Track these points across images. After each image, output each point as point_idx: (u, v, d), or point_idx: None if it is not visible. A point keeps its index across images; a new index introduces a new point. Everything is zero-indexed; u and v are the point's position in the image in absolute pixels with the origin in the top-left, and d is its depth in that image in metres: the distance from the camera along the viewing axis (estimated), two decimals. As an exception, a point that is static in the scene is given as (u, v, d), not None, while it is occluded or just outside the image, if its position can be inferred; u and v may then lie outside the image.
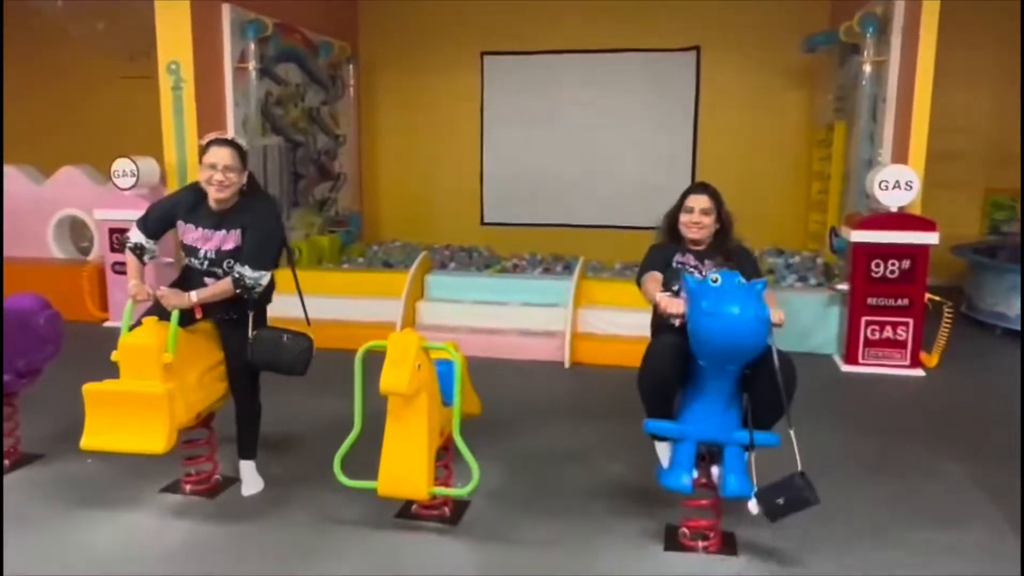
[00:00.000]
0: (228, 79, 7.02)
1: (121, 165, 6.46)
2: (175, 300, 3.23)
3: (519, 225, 9.41)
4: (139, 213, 6.33)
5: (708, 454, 2.97)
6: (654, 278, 3.10)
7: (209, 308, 3.35)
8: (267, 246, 3.38)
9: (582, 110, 9.20)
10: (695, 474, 2.89)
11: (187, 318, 3.27)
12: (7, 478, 3.69)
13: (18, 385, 3.78)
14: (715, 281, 2.62)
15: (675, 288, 2.94)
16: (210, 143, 3.28)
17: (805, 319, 5.94)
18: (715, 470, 2.90)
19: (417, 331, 3.14)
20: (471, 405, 3.54)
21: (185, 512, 3.39)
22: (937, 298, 5.56)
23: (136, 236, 3.48)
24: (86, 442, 3.07)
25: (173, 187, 6.86)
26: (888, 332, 5.59)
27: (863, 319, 5.60)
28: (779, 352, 2.73)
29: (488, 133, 9.52)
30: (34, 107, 10.19)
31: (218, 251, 3.35)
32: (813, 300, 6.04)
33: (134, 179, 6.45)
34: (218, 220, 3.34)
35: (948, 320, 5.56)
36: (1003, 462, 3.96)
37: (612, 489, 3.62)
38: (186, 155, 6.76)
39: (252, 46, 7.16)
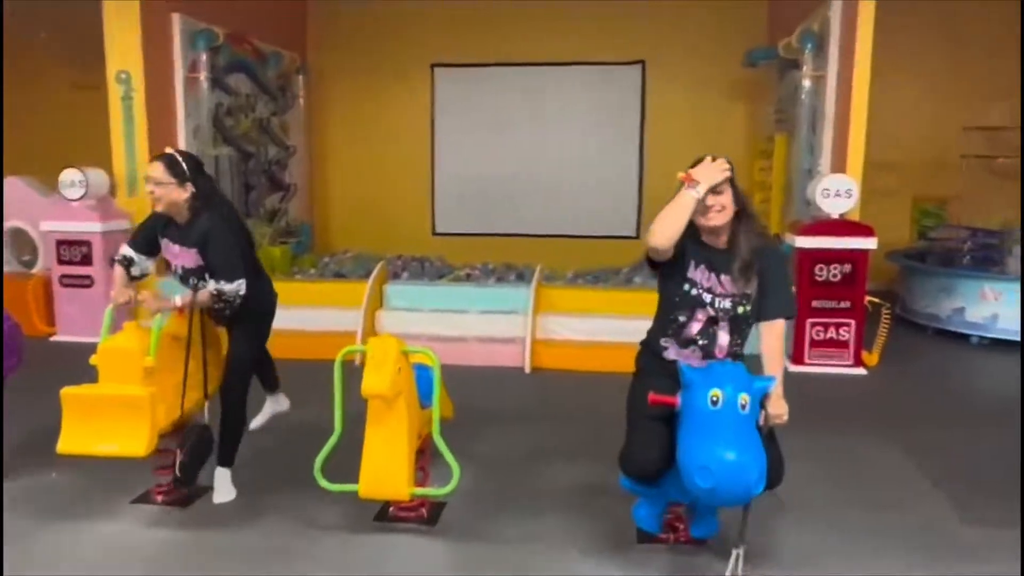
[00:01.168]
0: (179, 89, 7.00)
1: (69, 176, 6.35)
2: (156, 304, 3.26)
3: (470, 235, 9.47)
4: (87, 224, 6.34)
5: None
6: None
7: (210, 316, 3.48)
8: (229, 256, 3.34)
9: (531, 122, 9.32)
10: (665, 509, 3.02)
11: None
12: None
13: (-22, 398, 3.71)
14: (715, 400, 2.37)
15: (681, 319, 2.71)
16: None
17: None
18: (682, 509, 3.03)
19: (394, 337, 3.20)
20: (445, 409, 3.57)
21: (159, 522, 3.35)
22: (876, 300, 5.78)
23: (125, 249, 3.52)
24: (63, 446, 3.04)
25: (122, 198, 6.77)
26: (832, 333, 5.75)
27: (808, 321, 5.75)
28: (773, 450, 2.59)
29: (439, 144, 9.58)
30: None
31: (184, 268, 3.41)
32: None
33: (83, 190, 6.33)
34: (183, 236, 3.38)
35: (886, 321, 5.79)
36: (945, 451, 4.17)
37: (580, 487, 3.68)
38: (135, 166, 6.67)
39: (203, 56, 7.14)
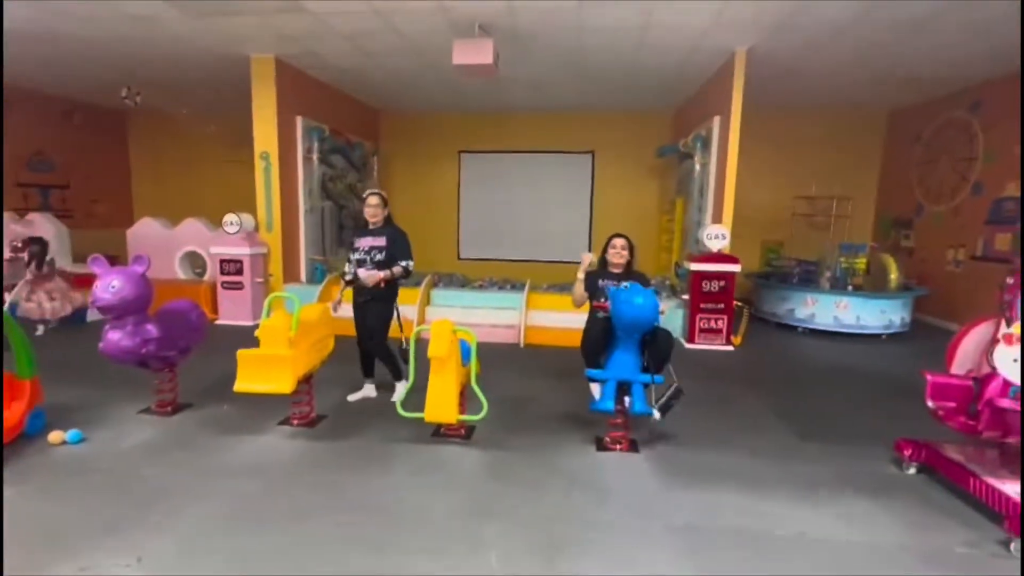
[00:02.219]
0: (299, 163, 6.97)
1: (229, 218, 6.37)
2: (371, 280, 3.64)
3: (482, 259, 9.49)
4: (240, 248, 6.34)
5: (622, 390, 3.13)
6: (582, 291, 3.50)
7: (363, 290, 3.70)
8: (400, 247, 3.71)
9: (522, 187, 9.35)
10: (614, 403, 3.10)
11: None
12: (174, 419, 3.63)
13: (179, 359, 3.75)
14: (627, 287, 2.89)
15: (602, 299, 3.21)
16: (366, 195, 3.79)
17: (663, 316, 6.16)
18: (627, 400, 3.10)
19: (427, 324, 3.27)
20: (478, 367, 3.67)
21: (295, 437, 3.41)
22: (740, 303, 5.91)
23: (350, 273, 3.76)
24: (238, 387, 3.10)
25: (264, 234, 6.80)
26: (712, 323, 5.79)
27: (698, 316, 5.79)
28: (662, 328, 3.00)
29: (463, 201, 9.58)
30: (171, 181, 9.86)
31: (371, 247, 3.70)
32: (668, 304, 5.94)
33: (238, 227, 6.36)
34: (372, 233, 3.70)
35: (747, 317, 5.96)
36: (784, 397, 4.28)
37: (560, 416, 3.76)
38: (272, 212, 6.69)
39: (315, 143, 7.15)
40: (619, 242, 3.53)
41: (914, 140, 7.94)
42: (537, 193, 9.39)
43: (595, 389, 3.29)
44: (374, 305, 3.71)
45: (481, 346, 5.47)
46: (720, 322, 5.81)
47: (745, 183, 7.97)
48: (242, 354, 3.11)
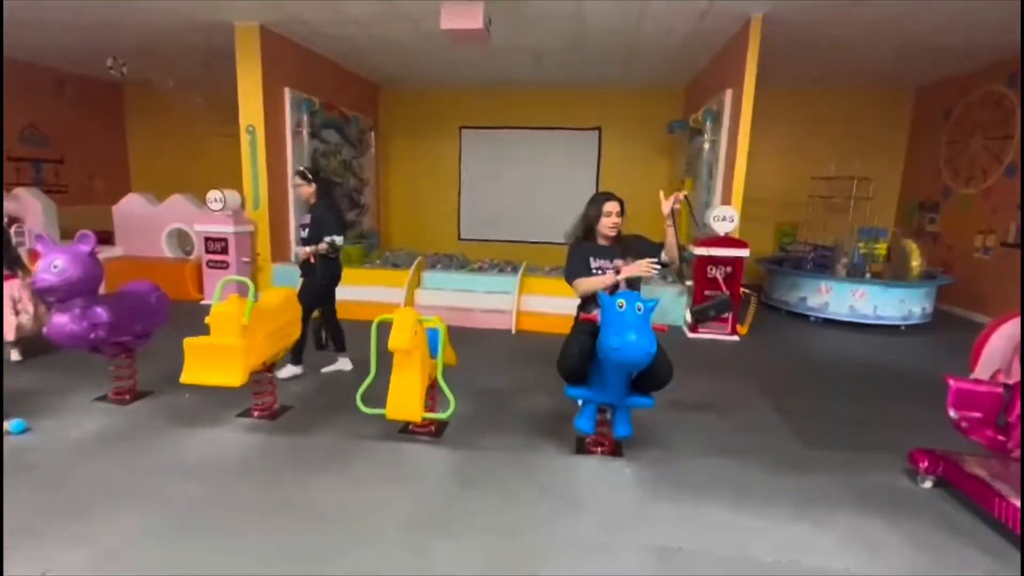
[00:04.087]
0: (288, 137, 6.70)
1: (212, 194, 6.12)
2: (300, 255, 3.72)
3: (483, 240, 9.23)
4: (225, 227, 6.11)
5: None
6: (585, 279, 2.80)
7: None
8: (324, 223, 3.71)
9: (526, 165, 9.02)
10: (597, 416, 2.85)
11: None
12: (130, 408, 3.43)
13: (136, 344, 3.53)
14: (621, 306, 2.37)
15: (592, 309, 2.75)
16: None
17: (665, 303, 5.85)
18: (609, 415, 2.84)
19: (415, 309, 3.02)
20: (451, 358, 3.42)
21: (254, 430, 3.20)
22: (747, 291, 5.57)
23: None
24: (184, 378, 2.88)
25: (251, 211, 6.56)
26: None
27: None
28: (661, 357, 2.56)
29: (464, 179, 9.28)
30: (168, 156, 9.68)
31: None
32: (670, 291, 5.94)
33: (222, 204, 6.11)
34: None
35: (754, 304, 5.60)
36: (790, 394, 3.99)
37: (541, 413, 3.52)
38: (259, 189, 6.44)
39: (305, 117, 6.86)
40: (614, 207, 2.82)
41: (943, 117, 7.44)
42: (541, 171, 9.05)
43: (580, 399, 2.94)
44: (305, 280, 3.80)
45: (471, 333, 5.49)
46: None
47: (759, 163, 7.61)
48: (189, 343, 2.87)
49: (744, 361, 4.88)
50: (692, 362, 4.70)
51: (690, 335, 5.59)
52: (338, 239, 3.73)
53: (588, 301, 2.81)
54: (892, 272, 6.24)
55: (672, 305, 5.90)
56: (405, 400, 2.87)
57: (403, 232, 9.52)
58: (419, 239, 9.24)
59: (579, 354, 2.62)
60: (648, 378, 2.65)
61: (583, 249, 2.89)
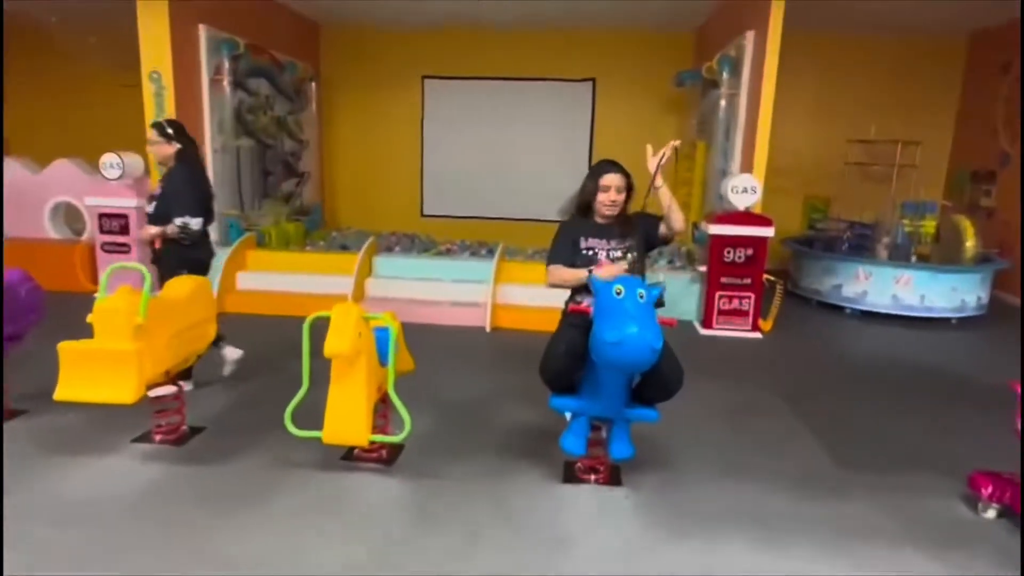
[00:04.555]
0: (205, 88, 6.42)
1: (108, 159, 5.82)
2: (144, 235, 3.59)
3: (452, 217, 9.09)
4: (125, 200, 5.87)
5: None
6: (563, 268, 2.70)
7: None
8: (176, 197, 3.50)
9: (503, 125, 8.89)
10: (590, 434, 2.73)
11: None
12: (-9, 431, 3.22)
13: (5, 349, 3.31)
14: (618, 293, 2.27)
15: (581, 301, 2.65)
16: None
17: (673, 293, 5.80)
18: (603, 433, 2.73)
19: (366, 303, 2.87)
20: (406, 364, 3.28)
21: (155, 458, 3.02)
22: (772, 278, 5.54)
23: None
24: (59, 394, 2.69)
25: (155, 179, 6.27)
26: (735, 303, 5.49)
27: (717, 293, 5.49)
28: (668, 357, 2.46)
29: (427, 141, 9.11)
30: (35, 108, 9.25)
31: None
32: (679, 278, 5.92)
33: (120, 171, 5.82)
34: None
35: (780, 295, 5.56)
36: (822, 404, 3.96)
37: (521, 431, 3.41)
38: (168, 152, 6.16)
39: (226, 62, 6.57)
40: (615, 180, 2.67)
41: (1002, 70, 7.48)
42: (522, 132, 8.93)
43: (568, 412, 2.85)
44: (158, 269, 3.57)
45: (436, 331, 5.36)
46: (746, 302, 5.51)
47: (785, 123, 7.58)
48: (66, 348, 2.68)
49: (767, 363, 4.85)
50: (705, 364, 4.66)
51: (703, 331, 5.56)
52: (192, 223, 3.44)
53: (579, 289, 2.70)
54: (942, 255, 6.27)
55: (682, 294, 5.86)
56: (347, 420, 2.73)
57: (353, 207, 9.33)
58: (373, 215, 9.07)
59: (567, 354, 2.49)
60: (653, 384, 2.55)
61: (573, 228, 2.78)
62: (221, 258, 5.82)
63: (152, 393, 2.98)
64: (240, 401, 3.70)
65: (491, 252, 6.69)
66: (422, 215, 9.24)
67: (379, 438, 2.90)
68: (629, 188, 2.72)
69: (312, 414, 2.85)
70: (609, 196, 2.68)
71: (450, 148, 9.07)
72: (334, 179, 9.34)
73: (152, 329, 2.82)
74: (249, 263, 6.11)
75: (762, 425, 3.63)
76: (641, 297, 2.28)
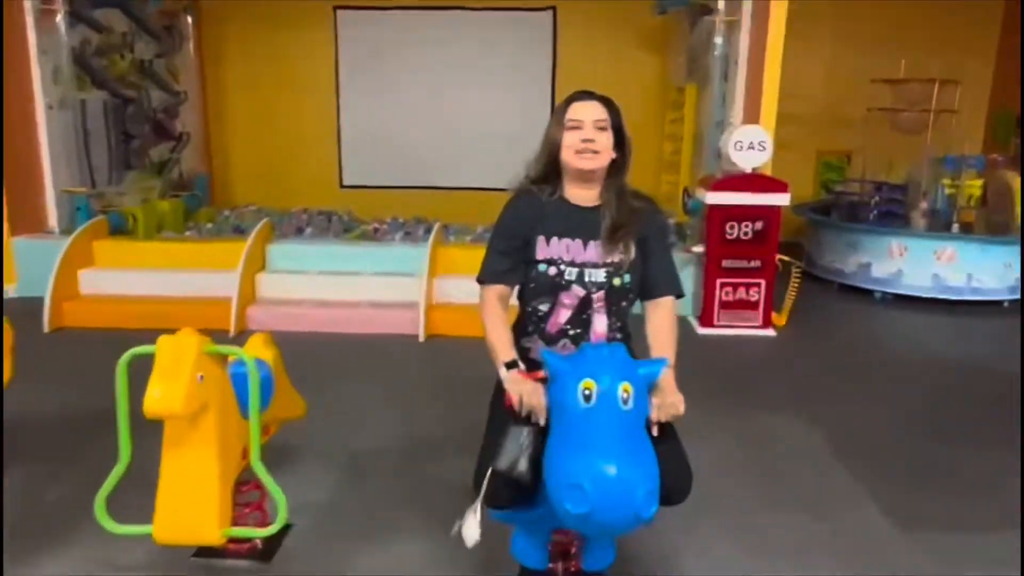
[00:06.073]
0: (30, 23, 5.70)
1: None
2: None
3: (380, 188, 8.56)
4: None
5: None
6: (496, 311, 2.02)
7: None
8: None
9: (443, 68, 8.38)
10: (551, 538, 2.21)
11: None
12: None
13: None
14: (587, 394, 1.63)
15: (542, 310, 2.03)
16: None
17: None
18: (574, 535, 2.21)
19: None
20: (289, 408, 2.75)
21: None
22: (787, 259, 5.30)
23: None
24: None
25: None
26: (741, 293, 5.24)
27: (718, 281, 5.21)
28: (674, 455, 1.87)
29: (344, 91, 8.54)
30: None
31: None
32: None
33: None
34: None
35: (796, 280, 5.34)
36: (858, 428, 3.69)
37: (464, 492, 2.80)
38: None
39: (60, -15, 5.84)
40: (589, 113, 2.01)
41: (1057, -12, 7.28)
42: (465, 76, 8.43)
43: None
44: None
45: (355, 345, 4.92)
46: (755, 291, 5.27)
47: (795, 59, 7.16)
48: None
49: (784, 370, 4.63)
50: (705, 377, 4.33)
51: (701, 331, 5.32)
52: None
53: (528, 309, 2.08)
54: (989, 223, 6.13)
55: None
56: (188, 507, 2.19)
57: (252, 178, 8.72)
58: (278, 189, 8.50)
59: (508, 471, 1.78)
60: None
61: (523, 214, 2.06)
62: (56, 253, 5.15)
63: None
64: (60, 464, 3.08)
65: (429, 231, 6.24)
66: (341, 186, 8.74)
67: (240, 532, 2.34)
68: (620, 135, 2.03)
69: (139, 493, 2.26)
70: (580, 135, 1.98)
71: (375, 99, 8.52)
72: (224, 142, 8.71)
73: None
74: (97, 257, 5.52)
75: (788, 467, 3.27)
76: (626, 400, 1.66)
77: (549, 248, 2.01)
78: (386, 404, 3.87)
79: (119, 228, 6.01)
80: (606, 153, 2.00)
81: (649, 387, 1.76)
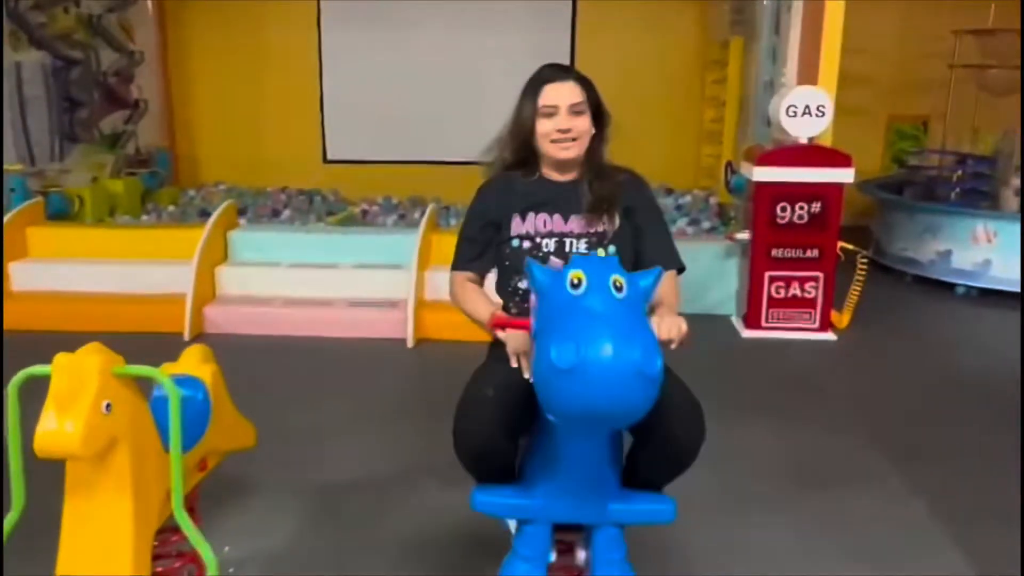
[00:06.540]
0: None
1: None
2: None
3: (369, 163, 8.72)
4: None
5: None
6: (468, 286, 2.26)
7: None
8: None
9: (441, 27, 8.52)
10: (552, 558, 2.09)
11: None
12: None
13: None
14: (576, 283, 1.72)
15: (522, 287, 2.19)
16: None
17: (698, 273, 5.39)
18: (581, 554, 2.13)
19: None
20: (233, 437, 2.61)
21: None
22: (850, 247, 5.27)
23: None
24: None
25: None
26: (795, 289, 5.23)
27: (767, 274, 5.23)
28: (681, 398, 1.94)
29: (328, 55, 8.74)
30: None
31: None
32: (708, 250, 5.63)
33: None
34: None
35: (862, 273, 5.32)
36: (934, 446, 3.63)
37: (456, 529, 2.88)
38: None
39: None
40: (563, 97, 2.18)
41: None
42: (468, 36, 8.52)
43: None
44: None
45: (331, 352, 5.11)
46: (811, 286, 5.27)
47: (861, 6, 7.16)
48: None
49: (848, 384, 4.60)
50: (750, 391, 4.36)
51: (746, 333, 5.35)
52: None
53: (508, 289, 2.28)
54: None
55: (712, 277, 5.58)
56: (96, 564, 2.07)
57: (221, 152, 8.89)
58: (253, 165, 8.67)
59: (497, 408, 1.98)
60: (652, 450, 1.99)
61: (496, 197, 2.29)
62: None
63: None
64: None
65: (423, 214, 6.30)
66: (325, 161, 8.91)
67: (164, 591, 2.21)
68: (599, 114, 2.22)
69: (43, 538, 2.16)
70: (556, 123, 2.16)
71: (363, 63, 8.64)
72: (188, 111, 8.88)
73: None
74: (32, 247, 5.56)
75: (856, 510, 3.15)
76: (618, 288, 1.71)
77: (524, 224, 2.21)
78: (363, 426, 3.82)
79: (62, 212, 6.05)
80: (585, 138, 2.20)
81: (647, 303, 1.82)
